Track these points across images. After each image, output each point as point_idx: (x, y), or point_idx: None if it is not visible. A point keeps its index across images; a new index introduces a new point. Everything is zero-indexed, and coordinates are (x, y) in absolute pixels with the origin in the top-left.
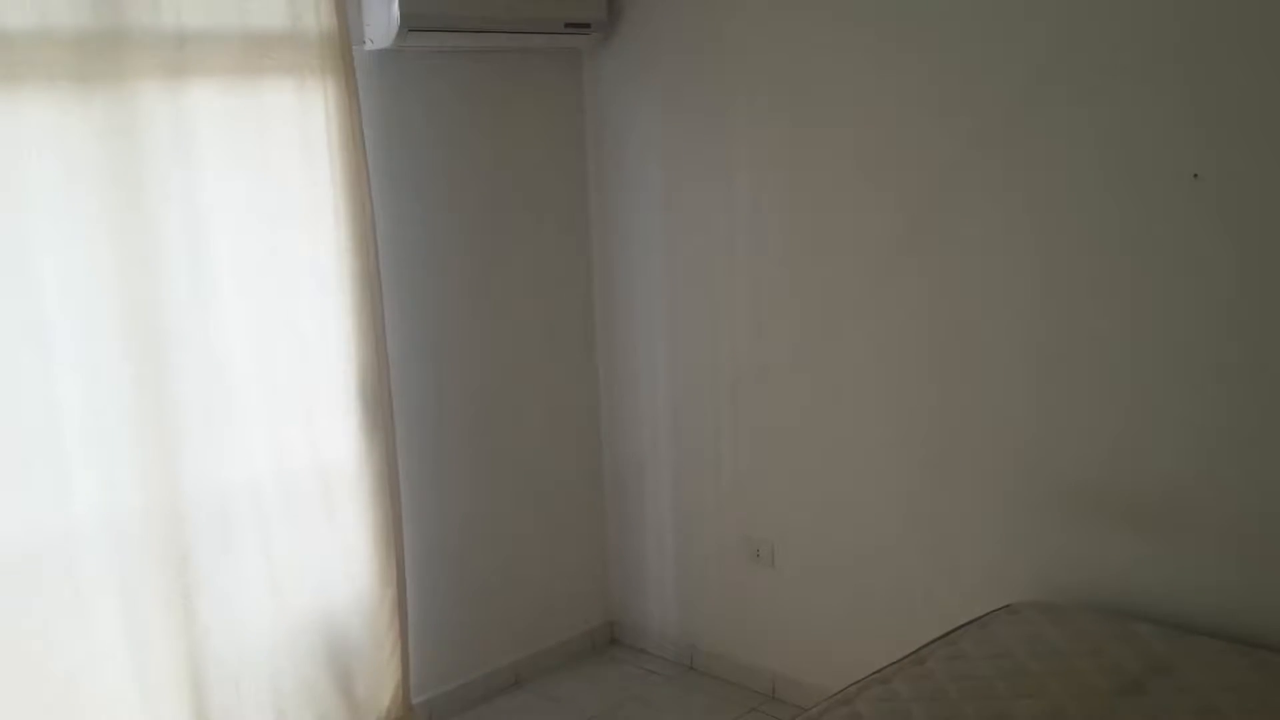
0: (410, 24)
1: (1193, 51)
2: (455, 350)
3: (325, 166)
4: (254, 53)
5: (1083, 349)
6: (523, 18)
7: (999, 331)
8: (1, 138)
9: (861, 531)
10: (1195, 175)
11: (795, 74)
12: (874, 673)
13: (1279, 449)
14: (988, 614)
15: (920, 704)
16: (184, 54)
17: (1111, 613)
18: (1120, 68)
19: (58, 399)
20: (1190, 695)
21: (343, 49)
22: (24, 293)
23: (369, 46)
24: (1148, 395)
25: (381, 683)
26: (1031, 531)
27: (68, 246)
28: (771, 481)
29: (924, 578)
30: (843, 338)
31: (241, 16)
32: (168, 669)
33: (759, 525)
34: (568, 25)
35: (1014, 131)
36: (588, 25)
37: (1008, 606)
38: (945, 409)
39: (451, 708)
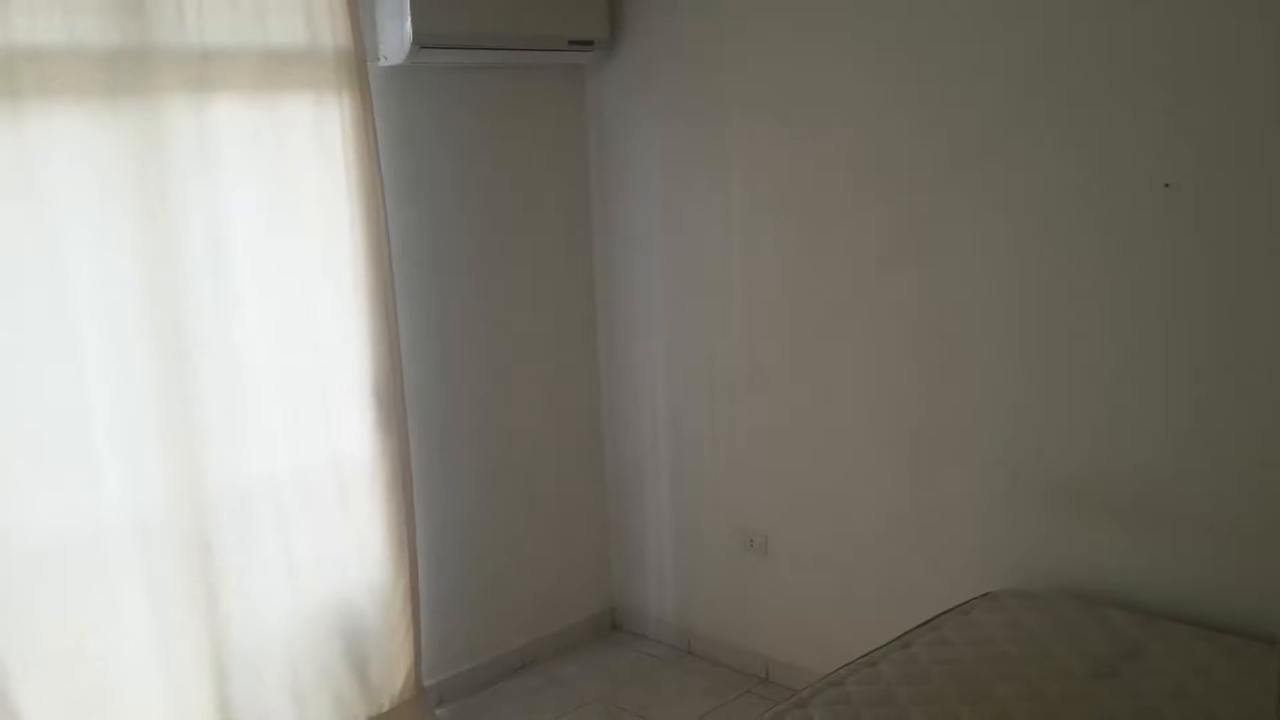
0: (422, 42)
1: (1168, 69)
2: (464, 350)
3: (341, 176)
4: (274, 69)
5: (1062, 350)
6: (529, 36)
7: (982, 333)
8: (35, 148)
9: (850, 523)
10: (1166, 185)
11: (788, 88)
12: (862, 656)
13: (1244, 445)
14: (969, 601)
15: (905, 686)
16: (207, 69)
17: (1087, 600)
18: (1099, 84)
19: (87, 398)
20: (1161, 678)
21: (358, 65)
22: (55, 296)
23: (383, 63)
24: (1123, 394)
25: (394, 666)
26: (1012, 524)
27: (97, 252)
28: (765, 476)
29: (909, 567)
30: (833, 340)
31: (262, 35)
32: (191, 654)
33: (753, 517)
34: (571, 43)
35: (998, 143)
36: (590, 43)
37: (988, 594)
38: (931, 408)
39: (461, 690)
